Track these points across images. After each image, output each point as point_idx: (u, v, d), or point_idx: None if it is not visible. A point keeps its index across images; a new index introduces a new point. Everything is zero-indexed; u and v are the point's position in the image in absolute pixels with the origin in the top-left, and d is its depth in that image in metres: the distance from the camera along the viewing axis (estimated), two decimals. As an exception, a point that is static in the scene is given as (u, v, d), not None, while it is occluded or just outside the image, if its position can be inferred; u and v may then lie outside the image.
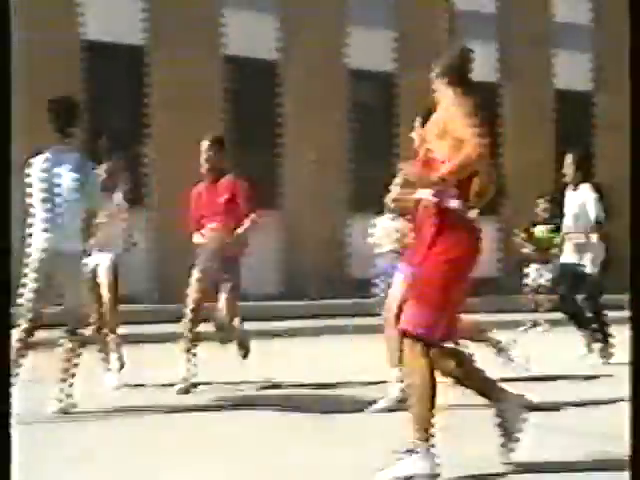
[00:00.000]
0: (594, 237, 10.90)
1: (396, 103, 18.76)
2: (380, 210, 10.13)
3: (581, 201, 10.82)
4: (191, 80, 16.02)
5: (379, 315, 8.14)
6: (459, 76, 5.61)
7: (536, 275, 16.42)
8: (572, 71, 21.36)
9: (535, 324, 15.95)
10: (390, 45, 18.94)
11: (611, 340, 10.55)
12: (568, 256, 11.07)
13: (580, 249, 10.87)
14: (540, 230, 16.46)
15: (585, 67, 21.69)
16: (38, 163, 7.35)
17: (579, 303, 10.90)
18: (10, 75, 2.17)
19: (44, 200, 7.29)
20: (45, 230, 7.29)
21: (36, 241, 7.30)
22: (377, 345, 7.93)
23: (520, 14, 20.25)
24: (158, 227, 15.43)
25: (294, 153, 17.56)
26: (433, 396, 5.22)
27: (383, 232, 10.16)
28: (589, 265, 10.87)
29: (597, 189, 11.04)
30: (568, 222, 11.09)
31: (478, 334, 8.36)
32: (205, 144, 8.71)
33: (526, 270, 16.58)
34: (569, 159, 10.94)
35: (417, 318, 5.27)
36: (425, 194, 5.34)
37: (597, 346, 10.67)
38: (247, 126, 16.72)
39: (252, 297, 14.44)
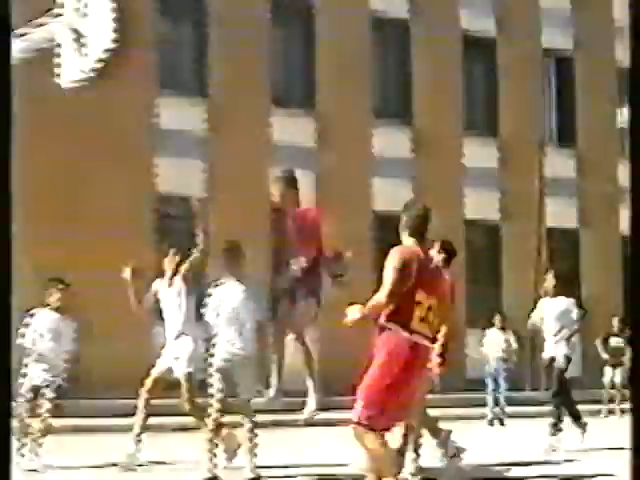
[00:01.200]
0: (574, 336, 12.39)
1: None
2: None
3: (562, 308, 12.04)
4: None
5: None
6: (414, 230, 6.36)
7: (611, 374, 19.57)
8: None
9: (611, 411, 18.98)
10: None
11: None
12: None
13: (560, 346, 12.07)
14: (615, 341, 19.57)
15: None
16: (218, 292, 8.81)
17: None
18: (10, 79, 2.20)
19: (228, 317, 8.75)
20: (228, 338, 8.72)
21: (220, 347, 8.75)
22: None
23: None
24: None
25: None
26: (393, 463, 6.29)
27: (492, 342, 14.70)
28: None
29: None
30: (550, 324, 12.08)
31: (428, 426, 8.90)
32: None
33: (605, 370, 19.65)
34: (550, 275, 12.56)
35: (358, 412, 6.06)
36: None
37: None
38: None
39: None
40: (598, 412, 18.90)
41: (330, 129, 22.73)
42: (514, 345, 18.29)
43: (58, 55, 10.34)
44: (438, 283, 6.39)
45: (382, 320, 6.11)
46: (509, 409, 17.75)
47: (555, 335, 12.02)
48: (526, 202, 24.17)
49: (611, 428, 13.32)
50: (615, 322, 19.90)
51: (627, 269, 25.01)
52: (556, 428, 11.70)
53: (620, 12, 26.85)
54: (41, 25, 9.74)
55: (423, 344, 6.12)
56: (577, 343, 13.13)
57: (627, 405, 17.92)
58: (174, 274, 9.70)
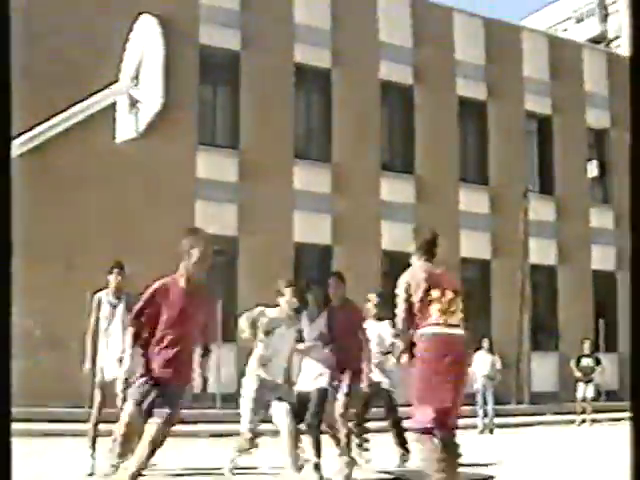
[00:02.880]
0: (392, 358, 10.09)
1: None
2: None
3: (380, 330, 10.17)
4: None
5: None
6: (425, 251, 6.35)
7: (583, 389, 19.31)
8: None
9: (583, 421, 18.80)
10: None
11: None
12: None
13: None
14: (586, 361, 19.40)
15: None
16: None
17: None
18: (10, 74, 1.83)
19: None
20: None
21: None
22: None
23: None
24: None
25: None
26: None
27: None
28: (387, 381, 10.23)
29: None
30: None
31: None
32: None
33: (577, 386, 19.44)
34: (373, 296, 10.55)
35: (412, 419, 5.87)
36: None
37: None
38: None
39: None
40: (572, 422, 19.04)
41: (344, 178, 22.99)
42: (498, 365, 18.27)
43: (115, 116, 10.58)
44: (448, 281, 6.34)
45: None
46: (497, 420, 17.76)
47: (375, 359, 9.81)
48: (513, 242, 24.33)
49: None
50: (586, 345, 19.84)
51: (597, 299, 25.45)
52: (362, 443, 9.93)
53: (590, 84, 27.41)
54: (103, 92, 9.98)
55: (448, 332, 5.95)
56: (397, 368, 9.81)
57: (597, 416, 18.72)
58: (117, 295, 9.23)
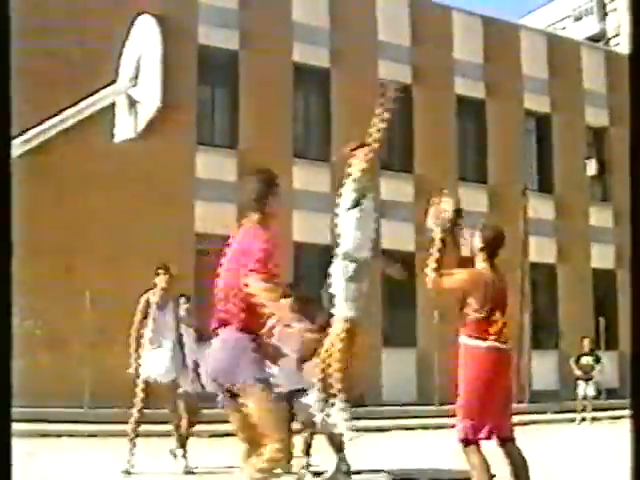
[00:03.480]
0: None
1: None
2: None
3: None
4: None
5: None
6: (489, 249, 6.01)
7: (583, 388, 19.27)
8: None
9: (584, 419, 18.74)
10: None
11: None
12: None
13: None
14: (586, 359, 19.45)
15: None
16: None
17: None
18: (9, 74, 1.77)
19: None
20: None
21: None
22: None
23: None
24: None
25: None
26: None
27: None
28: None
29: None
30: None
31: None
32: None
33: (578, 384, 19.42)
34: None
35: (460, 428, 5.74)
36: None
37: None
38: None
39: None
40: (572, 420, 19.03)
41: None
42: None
43: (114, 116, 10.59)
44: (506, 298, 6.09)
45: (463, 339, 5.87)
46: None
47: None
48: (512, 240, 24.26)
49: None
50: (586, 343, 19.89)
51: (597, 297, 25.49)
52: None
53: (589, 82, 27.47)
54: (102, 92, 9.97)
55: (501, 348, 5.81)
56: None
57: (597, 414, 18.65)
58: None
